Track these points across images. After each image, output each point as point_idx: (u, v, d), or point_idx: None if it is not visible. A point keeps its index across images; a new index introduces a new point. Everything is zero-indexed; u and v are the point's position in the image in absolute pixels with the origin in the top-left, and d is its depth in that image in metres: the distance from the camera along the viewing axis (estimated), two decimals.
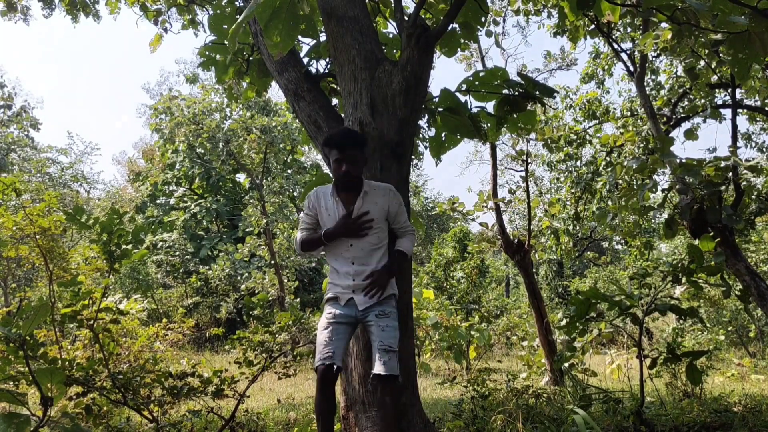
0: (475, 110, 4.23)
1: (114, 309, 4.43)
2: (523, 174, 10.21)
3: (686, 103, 9.27)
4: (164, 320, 9.03)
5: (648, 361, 4.32)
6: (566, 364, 7.08)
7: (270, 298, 15.47)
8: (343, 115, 3.76)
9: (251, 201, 17.46)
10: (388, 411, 2.85)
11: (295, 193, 20.67)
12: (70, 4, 6.83)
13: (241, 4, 4.69)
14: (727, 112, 8.90)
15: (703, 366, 6.48)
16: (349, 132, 3.12)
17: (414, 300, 3.37)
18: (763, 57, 3.82)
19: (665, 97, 9.60)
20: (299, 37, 4.01)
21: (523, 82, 4.14)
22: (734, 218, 5.57)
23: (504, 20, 10.12)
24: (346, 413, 3.39)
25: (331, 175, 3.73)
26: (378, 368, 2.86)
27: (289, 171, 21.45)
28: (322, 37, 4.20)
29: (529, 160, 10.17)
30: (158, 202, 23.89)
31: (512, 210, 13.17)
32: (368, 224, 3.01)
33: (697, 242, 4.21)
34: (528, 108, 4.24)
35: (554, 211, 10.38)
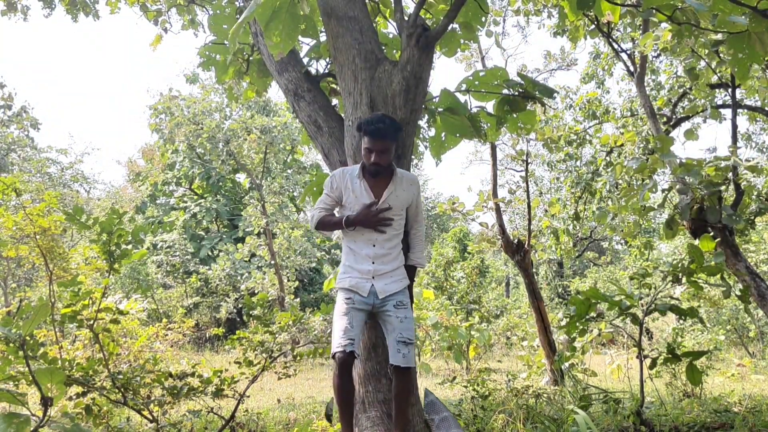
0: (475, 110, 4.22)
1: (114, 309, 4.43)
2: (523, 174, 10.21)
3: (686, 103, 9.26)
4: (164, 320, 9.04)
5: (648, 361, 4.32)
6: (566, 364, 7.09)
7: (270, 298, 15.47)
8: (343, 115, 3.76)
9: (251, 201, 17.46)
10: (404, 401, 2.92)
11: (295, 193, 20.68)
12: (70, 4, 6.83)
13: (241, 4, 4.69)
14: (727, 112, 8.91)
15: (703, 366, 6.49)
16: (383, 121, 2.94)
17: (414, 300, 3.38)
18: (763, 57, 3.82)
19: (665, 97, 9.61)
20: (299, 37, 4.01)
21: (523, 82, 4.14)
22: (734, 218, 5.57)
23: (504, 20, 10.14)
24: None
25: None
26: (397, 360, 2.89)
27: (289, 171, 21.46)
28: (322, 37, 4.20)
29: (529, 160, 10.17)
30: (158, 202, 23.88)
31: (512, 210, 13.17)
32: (389, 220, 2.99)
33: (697, 242, 4.22)
34: (528, 108, 4.23)
35: (554, 211, 10.38)
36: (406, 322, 2.96)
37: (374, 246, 3.02)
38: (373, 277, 3.00)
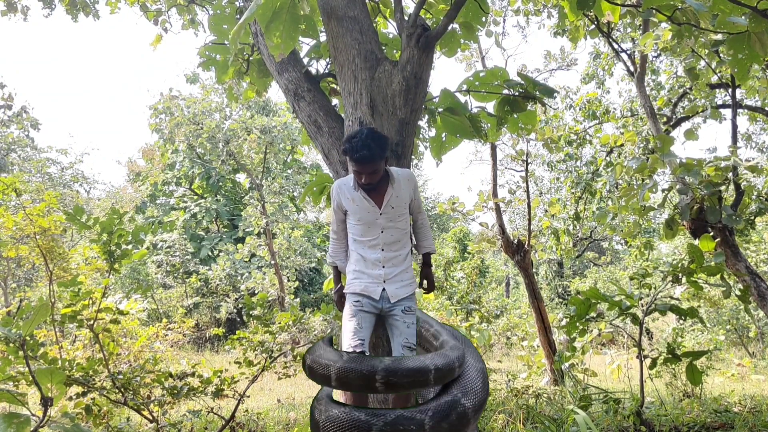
0: (475, 110, 4.22)
1: (114, 309, 4.43)
2: (523, 174, 10.21)
3: (686, 103, 9.27)
4: (164, 320, 9.04)
5: (648, 361, 4.32)
6: (566, 364, 7.09)
7: (270, 298, 15.47)
8: (343, 115, 3.76)
9: (251, 201, 17.46)
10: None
11: (295, 193, 20.66)
12: (70, 4, 6.84)
13: (241, 4, 4.69)
14: (727, 112, 8.91)
15: (703, 366, 6.49)
16: (367, 146, 2.79)
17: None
18: (763, 57, 3.82)
19: (665, 97, 9.61)
20: (299, 37, 4.00)
21: (523, 82, 4.14)
22: (734, 218, 5.57)
23: (504, 20, 10.13)
24: None
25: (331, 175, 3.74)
26: None
27: (289, 171, 21.46)
28: (322, 37, 4.20)
29: (529, 160, 10.17)
30: (158, 202, 23.87)
31: (512, 210, 13.18)
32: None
33: (697, 242, 4.22)
34: (528, 108, 4.24)
35: (554, 211, 10.38)
36: (412, 327, 3.01)
37: (383, 250, 3.06)
38: (384, 281, 3.03)
